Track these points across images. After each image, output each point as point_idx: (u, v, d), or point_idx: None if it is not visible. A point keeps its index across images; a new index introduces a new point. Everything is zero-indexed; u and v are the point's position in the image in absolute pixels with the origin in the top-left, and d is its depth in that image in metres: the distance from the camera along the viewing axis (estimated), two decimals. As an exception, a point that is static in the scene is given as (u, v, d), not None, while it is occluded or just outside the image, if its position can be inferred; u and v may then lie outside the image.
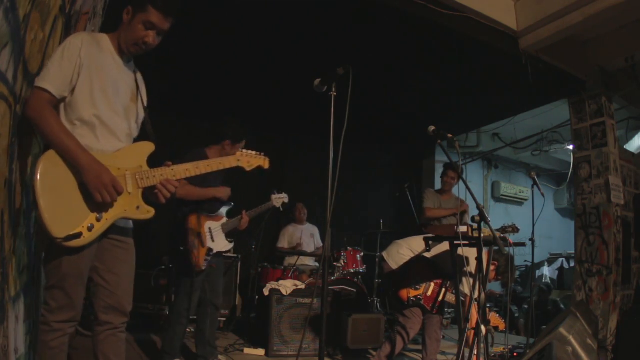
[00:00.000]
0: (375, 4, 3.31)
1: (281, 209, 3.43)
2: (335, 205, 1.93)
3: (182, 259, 2.86)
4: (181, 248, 2.83)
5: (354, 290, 4.27)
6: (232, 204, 3.15)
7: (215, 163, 1.83)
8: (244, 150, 1.93)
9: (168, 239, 3.41)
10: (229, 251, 3.13)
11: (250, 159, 1.93)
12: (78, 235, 1.49)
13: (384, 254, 3.30)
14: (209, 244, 2.88)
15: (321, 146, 2.50)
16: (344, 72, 1.96)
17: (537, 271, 7.42)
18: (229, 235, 3.05)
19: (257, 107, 5.37)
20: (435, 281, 3.12)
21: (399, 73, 4.63)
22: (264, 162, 1.99)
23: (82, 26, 2.22)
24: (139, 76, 1.86)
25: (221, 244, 2.98)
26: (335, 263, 4.45)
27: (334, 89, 2.04)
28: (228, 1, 3.32)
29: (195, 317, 3.06)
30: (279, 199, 3.38)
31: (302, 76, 2.74)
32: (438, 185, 7.00)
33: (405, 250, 3.18)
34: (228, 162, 1.88)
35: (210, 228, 2.93)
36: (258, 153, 1.96)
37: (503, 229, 4.03)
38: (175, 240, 2.90)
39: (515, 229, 3.81)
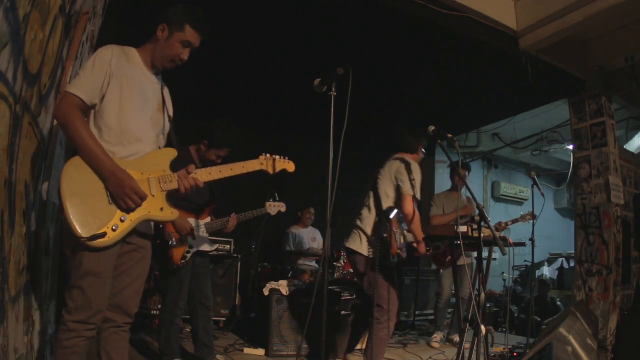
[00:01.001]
0: (375, 4, 3.31)
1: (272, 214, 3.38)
2: (335, 205, 1.93)
3: (159, 254, 2.77)
4: (157, 242, 2.73)
5: (354, 290, 4.27)
6: (218, 207, 3.07)
7: (238, 167, 1.89)
8: (267, 155, 1.99)
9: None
10: (213, 251, 3.06)
11: (274, 163, 2.01)
12: (103, 235, 1.55)
13: (350, 246, 2.94)
14: (189, 240, 2.84)
15: (321, 146, 2.49)
16: (344, 72, 1.96)
17: (537, 271, 7.43)
18: (214, 235, 2.99)
19: (257, 107, 5.37)
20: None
21: (399, 73, 4.63)
22: (288, 165, 2.07)
23: (82, 26, 2.22)
24: (166, 91, 1.96)
25: (204, 243, 2.93)
26: (335, 263, 4.45)
27: (334, 89, 2.04)
28: (229, 1, 3.32)
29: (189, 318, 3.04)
30: (275, 207, 3.34)
31: (302, 76, 2.74)
32: (438, 185, 7.04)
33: (360, 232, 2.95)
34: (251, 166, 1.95)
35: (192, 226, 2.86)
36: (282, 157, 2.04)
37: (522, 217, 4.10)
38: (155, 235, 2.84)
39: (533, 216, 3.94)
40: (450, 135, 2.56)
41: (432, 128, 2.55)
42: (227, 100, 5.25)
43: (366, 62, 4.18)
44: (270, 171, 1.99)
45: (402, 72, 4.59)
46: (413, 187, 2.86)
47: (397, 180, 2.92)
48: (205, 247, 2.95)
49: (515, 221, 4.20)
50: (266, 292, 3.73)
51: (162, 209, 1.72)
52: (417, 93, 5.09)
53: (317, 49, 3.99)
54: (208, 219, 2.99)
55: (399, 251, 2.80)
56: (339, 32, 3.78)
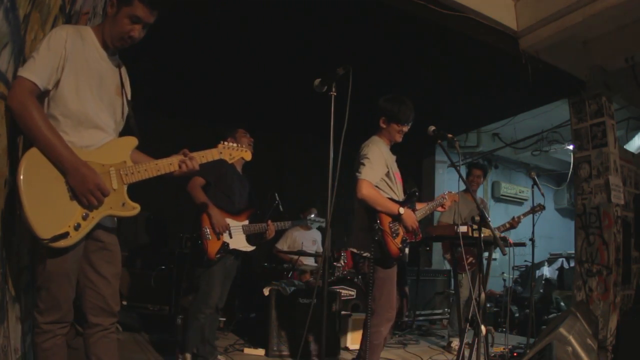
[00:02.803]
0: (375, 4, 3.31)
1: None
2: (335, 205, 1.93)
3: (194, 247, 2.95)
4: (194, 235, 2.92)
5: (354, 290, 4.27)
6: (259, 212, 3.22)
7: (198, 156, 1.83)
8: (225, 143, 1.95)
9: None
10: (250, 250, 3.14)
11: (231, 151, 1.95)
12: (65, 235, 1.46)
13: (351, 247, 2.77)
14: (225, 238, 2.95)
15: (321, 146, 2.49)
16: (344, 72, 1.96)
17: (537, 271, 7.41)
18: (252, 239, 3.10)
19: (257, 107, 5.37)
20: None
21: (398, 73, 4.63)
22: (245, 154, 2.03)
23: (82, 26, 2.22)
24: (124, 70, 1.83)
25: (240, 242, 3.04)
26: (335, 263, 4.45)
27: (334, 89, 2.03)
28: (228, 0, 3.32)
29: None
30: (317, 222, 3.69)
31: (302, 76, 2.74)
32: (438, 185, 7.04)
33: (356, 231, 2.79)
34: (210, 154, 1.89)
35: (228, 224, 3.00)
36: (239, 145, 1.99)
37: (532, 209, 4.04)
38: (193, 230, 2.99)
39: (542, 207, 3.97)
40: (450, 135, 2.56)
41: (432, 128, 2.55)
42: (226, 100, 5.25)
43: (366, 62, 4.18)
44: (229, 160, 1.96)
45: (402, 71, 4.59)
46: (367, 168, 2.65)
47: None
48: (242, 247, 3.04)
49: (527, 214, 4.17)
50: (266, 292, 3.74)
51: (123, 204, 1.62)
52: (417, 93, 5.08)
53: (317, 49, 3.99)
54: (246, 222, 3.09)
55: (401, 245, 2.64)
56: (339, 32, 3.78)
